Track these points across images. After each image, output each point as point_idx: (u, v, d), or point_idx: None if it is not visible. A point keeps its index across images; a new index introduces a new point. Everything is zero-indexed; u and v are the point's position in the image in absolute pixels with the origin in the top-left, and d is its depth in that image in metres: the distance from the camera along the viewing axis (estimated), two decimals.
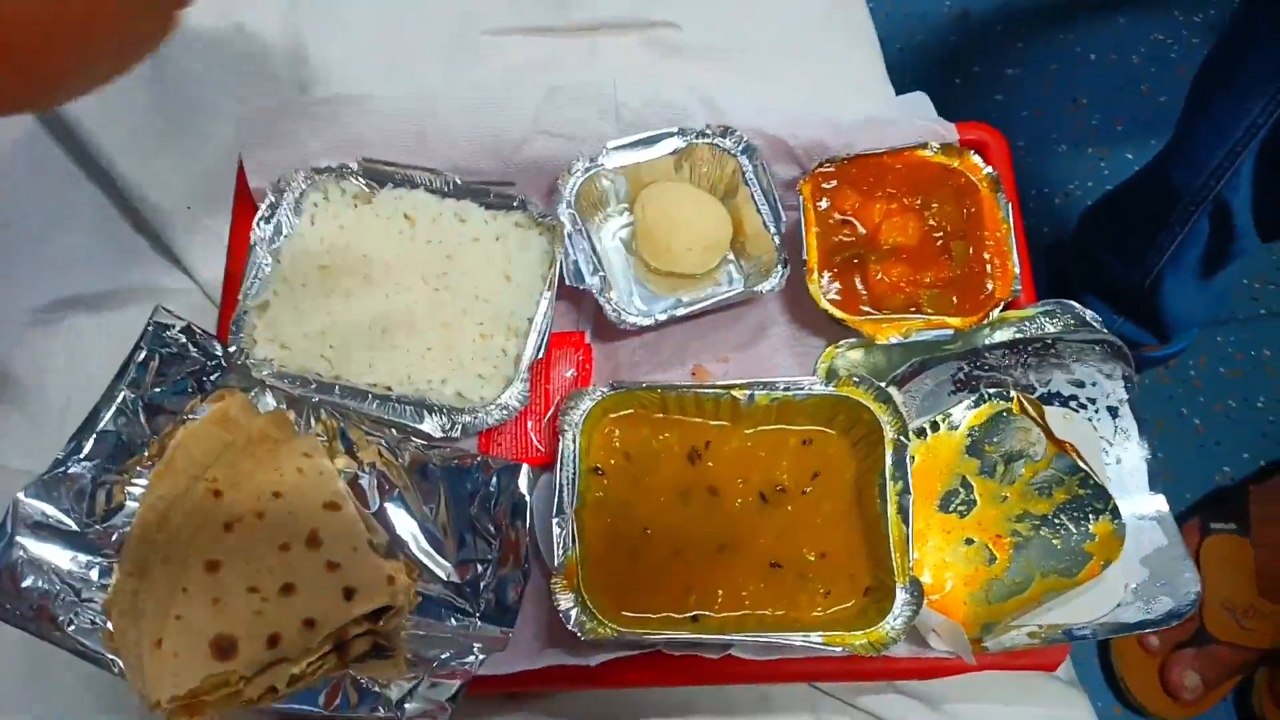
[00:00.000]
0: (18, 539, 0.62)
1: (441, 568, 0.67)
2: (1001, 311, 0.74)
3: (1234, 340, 1.64)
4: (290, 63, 0.87)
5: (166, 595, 0.60)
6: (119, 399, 0.67)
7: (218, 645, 0.59)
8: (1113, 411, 0.73)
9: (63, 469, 0.64)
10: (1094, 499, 0.69)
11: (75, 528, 0.63)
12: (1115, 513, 0.69)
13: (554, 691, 0.72)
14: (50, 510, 0.63)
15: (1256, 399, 1.59)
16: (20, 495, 0.62)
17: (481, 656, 0.64)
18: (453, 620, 0.66)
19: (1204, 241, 1.24)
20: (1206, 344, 1.66)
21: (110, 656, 0.61)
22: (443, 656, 0.64)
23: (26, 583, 0.61)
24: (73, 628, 0.61)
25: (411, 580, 0.66)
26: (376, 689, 0.62)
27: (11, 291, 0.78)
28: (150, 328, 0.69)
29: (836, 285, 0.76)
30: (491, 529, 0.68)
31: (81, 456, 0.65)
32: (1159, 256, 1.29)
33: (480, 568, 0.67)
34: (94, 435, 0.65)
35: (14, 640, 0.62)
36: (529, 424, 0.75)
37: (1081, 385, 0.73)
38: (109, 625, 0.61)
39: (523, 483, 0.69)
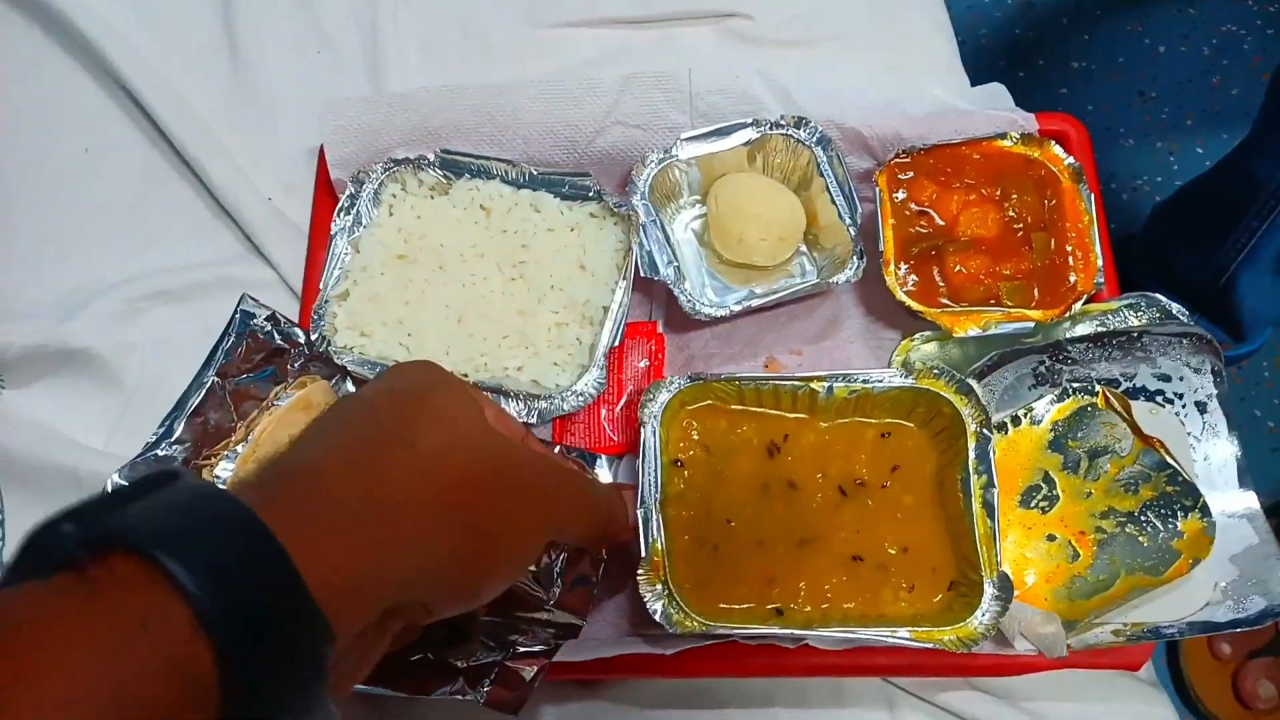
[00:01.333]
0: None
1: None
2: (1084, 305, 0.73)
3: None
4: (366, 55, 0.88)
5: None
6: (208, 384, 0.68)
7: None
8: (1201, 407, 0.71)
9: (153, 452, 0.66)
10: (1183, 496, 0.68)
11: None
12: (1205, 510, 0.67)
13: (628, 679, 0.72)
14: None
15: None
16: (114, 476, 0.64)
17: (557, 643, 0.65)
18: (529, 611, 0.67)
19: None
20: None
21: None
22: (519, 640, 0.64)
23: None
24: None
25: None
26: (456, 669, 0.63)
27: (99, 282, 0.80)
28: (237, 315, 0.70)
29: (914, 277, 0.75)
30: None
31: (172, 439, 0.66)
32: (1236, 252, 1.26)
33: (554, 555, 0.68)
34: (184, 419, 0.67)
35: None
36: (602, 412, 0.75)
37: (1168, 379, 0.71)
38: None
39: (601, 472, 0.69)
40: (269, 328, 0.71)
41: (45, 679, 0.26)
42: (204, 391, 0.68)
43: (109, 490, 0.64)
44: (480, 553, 0.42)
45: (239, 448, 0.68)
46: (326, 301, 0.74)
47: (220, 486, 0.35)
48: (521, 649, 0.64)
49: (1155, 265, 1.43)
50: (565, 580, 0.67)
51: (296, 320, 0.75)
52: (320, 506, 0.36)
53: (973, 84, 0.86)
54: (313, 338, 0.72)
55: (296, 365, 0.71)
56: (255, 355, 0.70)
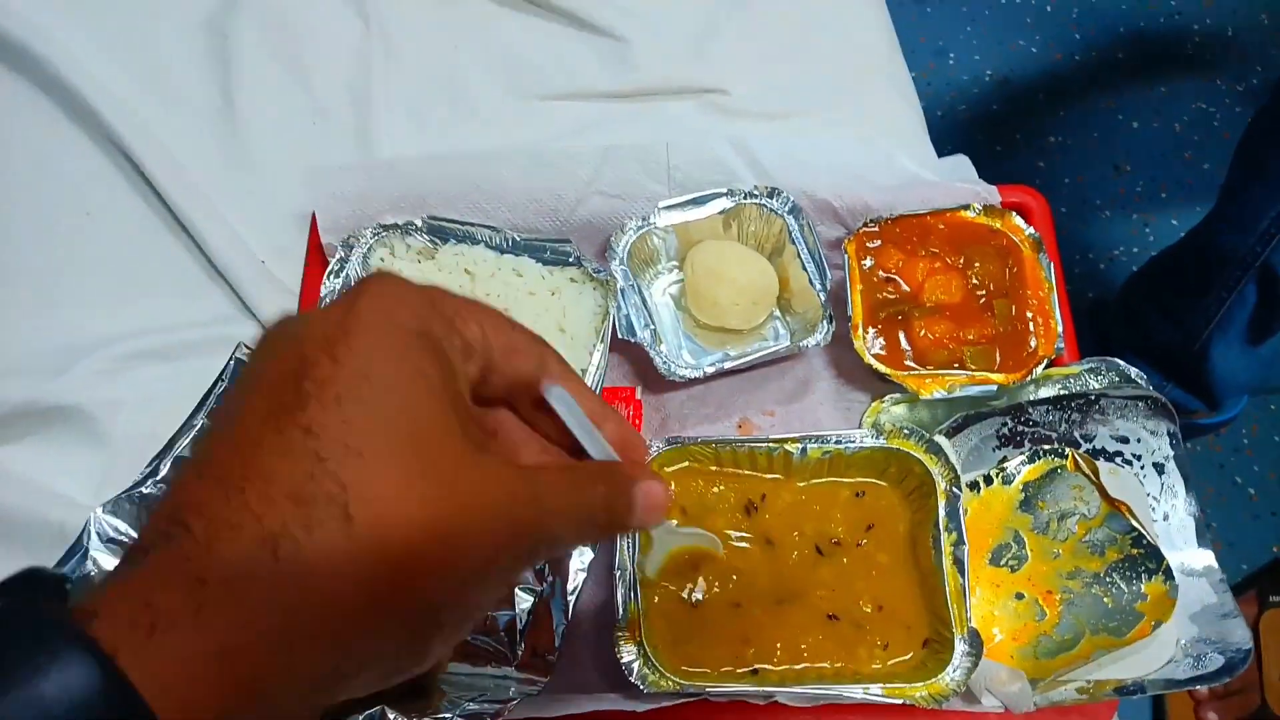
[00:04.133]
0: (92, 553, 0.65)
1: (485, 615, 0.69)
2: (1045, 369, 0.76)
3: None
4: (360, 122, 0.91)
5: None
6: (197, 427, 0.70)
7: None
8: (1159, 468, 0.73)
9: (139, 489, 0.68)
10: (1146, 559, 0.69)
11: None
12: (1168, 574, 0.69)
13: None
14: (123, 527, 0.66)
15: None
16: (97, 511, 0.66)
17: (515, 699, 0.65)
18: (490, 666, 0.68)
19: (1252, 306, 1.24)
20: (1259, 411, 1.64)
21: None
22: (478, 699, 0.65)
23: None
24: None
25: None
26: None
27: (90, 339, 0.82)
28: (231, 363, 0.72)
29: (881, 341, 0.78)
30: (536, 579, 0.70)
31: (158, 479, 0.68)
32: (1206, 321, 1.29)
33: (521, 615, 0.69)
34: (170, 459, 0.69)
35: None
36: None
37: (1126, 441, 0.73)
38: None
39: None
40: None
41: None
42: (192, 434, 0.70)
43: None
44: (426, 635, 0.33)
45: None
46: None
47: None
48: (483, 704, 0.64)
49: (1132, 333, 1.47)
50: (528, 637, 0.68)
51: None
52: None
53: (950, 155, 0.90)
54: None
55: None
56: None
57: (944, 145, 0.92)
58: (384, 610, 0.30)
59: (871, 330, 0.78)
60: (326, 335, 0.32)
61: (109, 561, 0.65)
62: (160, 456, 0.69)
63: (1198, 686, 0.65)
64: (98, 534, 0.65)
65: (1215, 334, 1.29)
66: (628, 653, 0.65)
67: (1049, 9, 1.97)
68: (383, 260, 0.80)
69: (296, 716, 0.31)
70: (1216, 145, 1.85)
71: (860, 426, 0.77)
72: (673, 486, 0.72)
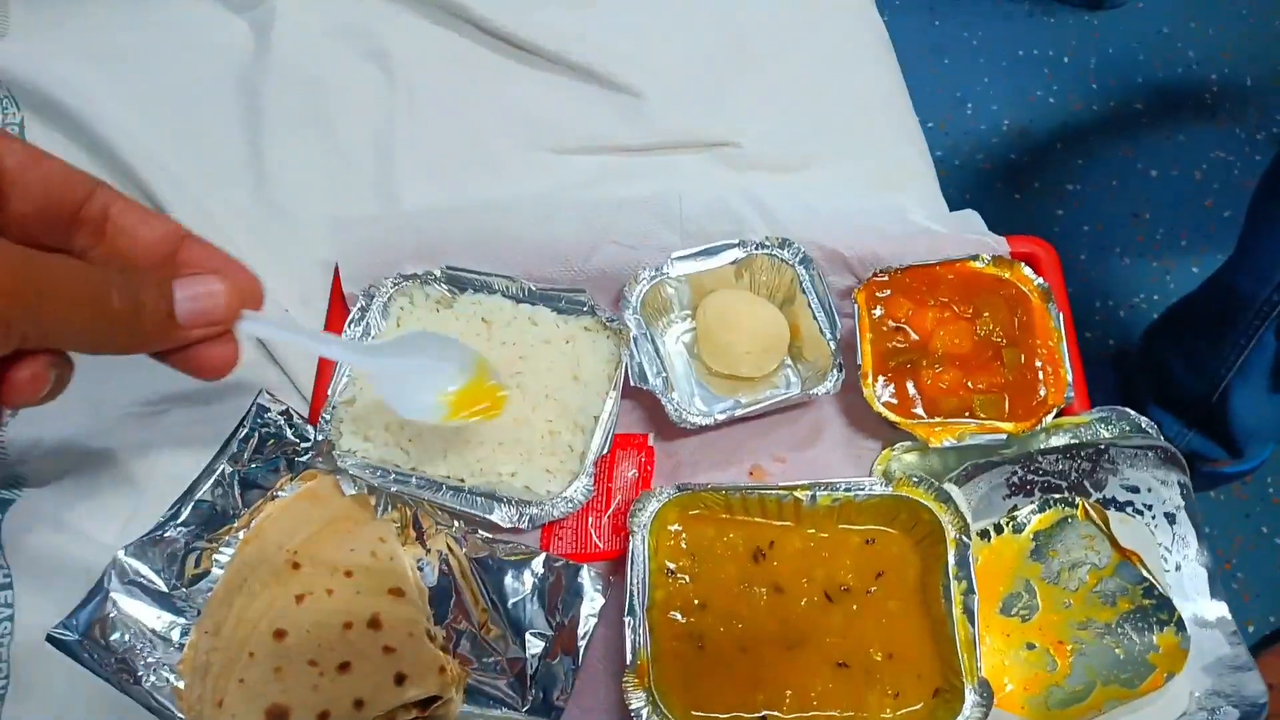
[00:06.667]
0: (112, 594, 0.67)
1: (494, 659, 0.70)
2: (1055, 418, 0.76)
3: None
4: (383, 173, 0.94)
5: (234, 656, 0.64)
6: (218, 472, 0.72)
7: (272, 713, 0.63)
8: (1170, 518, 0.73)
9: (160, 532, 0.70)
10: (1158, 610, 0.69)
11: (164, 588, 0.69)
12: (1180, 625, 0.68)
13: None
14: (144, 569, 0.68)
15: None
16: (120, 553, 0.68)
17: None
18: (500, 710, 0.69)
19: (1271, 354, 1.24)
20: None
21: (178, 714, 0.65)
22: None
23: (114, 636, 0.66)
24: (149, 683, 0.65)
25: (464, 672, 0.69)
26: None
27: (118, 386, 0.85)
28: (253, 408, 0.75)
29: (890, 389, 0.78)
30: (546, 623, 0.71)
31: (179, 522, 0.70)
32: (1226, 368, 1.29)
33: (531, 660, 0.70)
34: (192, 503, 0.71)
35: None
36: (590, 520, 0.78)
37: (1136, 491, 0.73)
38: (181, 684, 0.65)
39: (584, 580, 0.72)
40: (281, 422, 0.75)
41: None
42: (213, 478, 0.72)
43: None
44: None
45: (240, 534, 0.71)
46: (334, 407, 0.78)
47: None
48: None
49: (1153, 380, 1.46)
50: (538, 682, 0.69)
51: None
52: None
53: (967, 206, 0.90)
54: (319, 439, 0.76)
55: (304, 459, 0.75)
56: (265, 446, 0.74)
57: (962, 194, 0.94)
58: None
59: (881, 379, 0.78)
60: None
61: (128, 603, 0.67)
62: (182, 500, 0.72)
63: None
64: (117, 575, 0.67)
65: (1236, 381, 1.29)
66: (636, 699, 0.66)
67: (1066, 60, 1.99)
68: (402, 309, 0.82)
69: None
70: (1236, 193, 1.85)
71: (871, 474, 0.78)
72: (684, 534, 0.73)
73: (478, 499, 0.74)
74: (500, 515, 0.74)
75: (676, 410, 0.77)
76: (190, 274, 0.51)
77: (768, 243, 0.83)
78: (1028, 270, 0.81)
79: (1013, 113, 1.94)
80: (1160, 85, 1.96)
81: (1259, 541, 1.55)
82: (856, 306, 0.80)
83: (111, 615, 0.66)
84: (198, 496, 0.71)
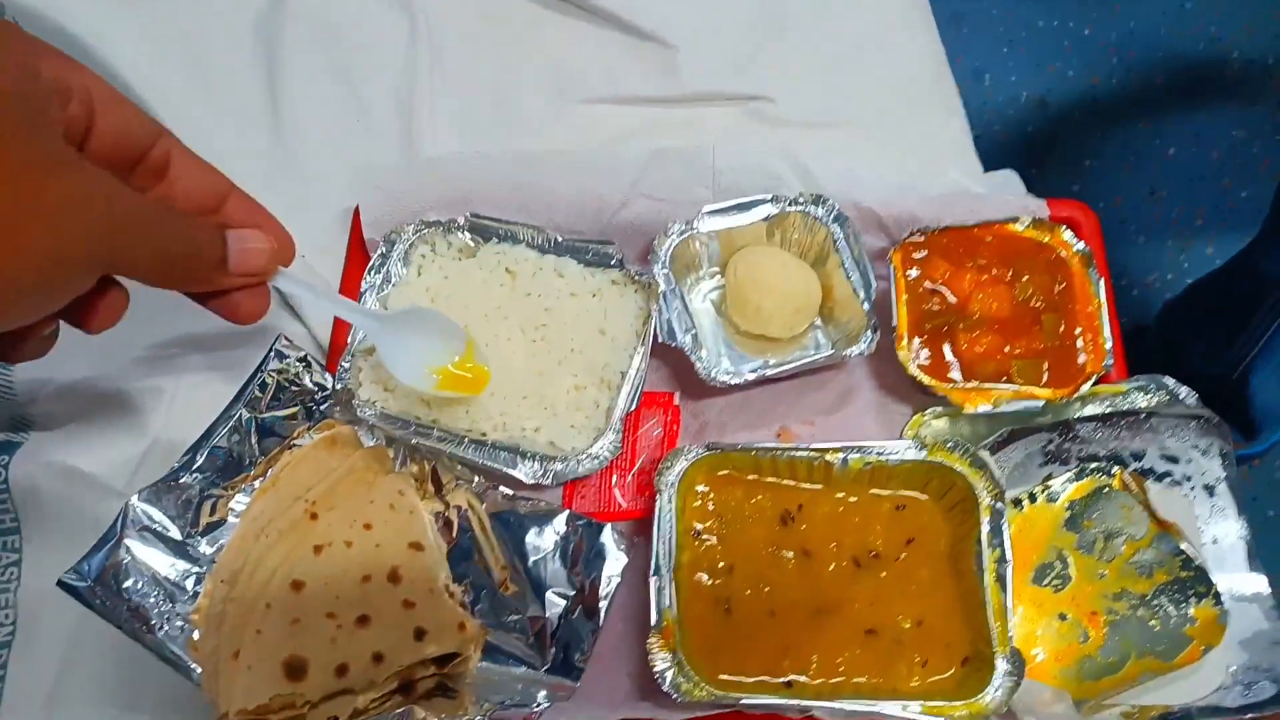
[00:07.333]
0: (125, 540, 0.65)
1: (514, 617, 0.69)
2: (1093, 385, 0.74)
3: None
4: (402, 124, 0.92)
5: (251, 607, 0.63)
6: (235, 417, 0.70)
7: (289, 665, 0.61)
8: (1209, 489, 0.71)
9: (175, 478, 0.68)
10: (1196, 582, 0.68)
11: (179, 536, 0.67)
12: (1218, 598, 0.67)
13: None
14: (158, 515, 0.66)
15: None
16: (133, 499, 0.66)
17: (544, 704, 0.64)
18: (520, 669, 0.67)
19: None
20: None
21: (192, 665, 0.63)
22: (507, 701, 0.64)
23: (127, 584, 0.64)
24: (163, 632, 0.63)
25: (483, 629, 0.67)
26: None
27: (130, 328, 0.82)
28: (271, 354, 0.72)
29: (925, 352, 0.77)
30: (568, 582, 0.69)
31: (194, 468, 0.68)
32: (1248, 350, 1.28)
33: (552, 619, 0.68)
34: (208, 449, 0.69)
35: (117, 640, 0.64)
36: (613, 478, 0.76)
37: (1175, 461, 0.72)
38: (195, 634, 0.64)
39: (606, 540, 0.70)
40: (299, 369, 0.73)
41: None
42: (230, 424, 0.70)
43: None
44: None
45: (256, 482, 0.69)
46: (353, 355, 0.75)
47: None
48: (511, 708, 0.64)
49: (1167, 359, 1.45)
50: (560, 644, 0.67)
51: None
52: None
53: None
54: (338, 388, 0.74)
55: (322, 408, 0.73)
56: (283, 394, 0.72)
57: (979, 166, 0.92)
58: None
59: (916, 341, 0.76)
60: None
61: (142, 550, 0.65)
62: (198, 446, 0.69)
63: (1248, 715, 0.63)
64: (132, 522, 0.65)
65: (1257, 363, 1.27)
66: (661, 660, 0.64)
67: (1087, 32, 1.95)
68: (424, 257, 0.80)
69: None
70: (1255, 172, 1.83)
71: (901, 439, 0.76)
72: (711, 495, 0.71)
73: (501, 453, 0.72)
74: (524, 471, 0.72)
75: (706, 368, 0.75)
76: (239, 227, 0.56)
77: (801, 199, 0.80)
78: (1068, 234, 0.79)
79: (1031, 85, 1.91)
80: (1181, 61, 1.93)
81: (1266, 525, 1.54)
82: (892, 268, 0.78)
83: (125, 561, 0.64)
84: (214, 442, 0.69)
